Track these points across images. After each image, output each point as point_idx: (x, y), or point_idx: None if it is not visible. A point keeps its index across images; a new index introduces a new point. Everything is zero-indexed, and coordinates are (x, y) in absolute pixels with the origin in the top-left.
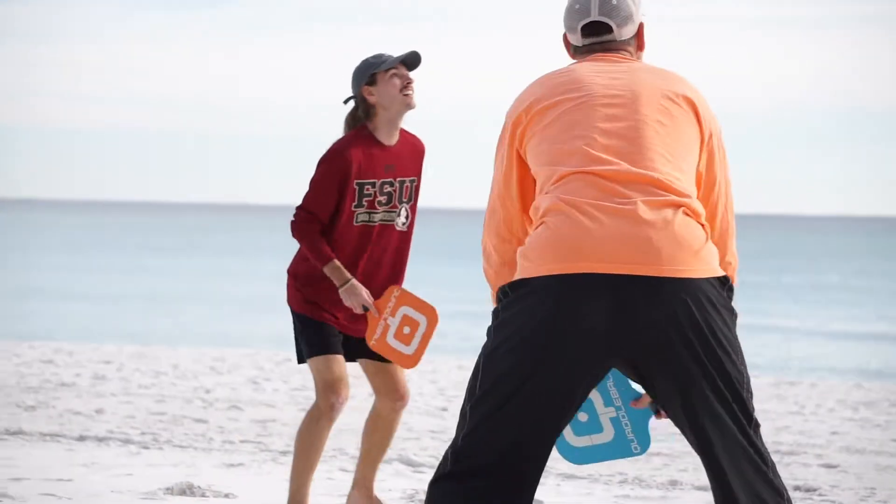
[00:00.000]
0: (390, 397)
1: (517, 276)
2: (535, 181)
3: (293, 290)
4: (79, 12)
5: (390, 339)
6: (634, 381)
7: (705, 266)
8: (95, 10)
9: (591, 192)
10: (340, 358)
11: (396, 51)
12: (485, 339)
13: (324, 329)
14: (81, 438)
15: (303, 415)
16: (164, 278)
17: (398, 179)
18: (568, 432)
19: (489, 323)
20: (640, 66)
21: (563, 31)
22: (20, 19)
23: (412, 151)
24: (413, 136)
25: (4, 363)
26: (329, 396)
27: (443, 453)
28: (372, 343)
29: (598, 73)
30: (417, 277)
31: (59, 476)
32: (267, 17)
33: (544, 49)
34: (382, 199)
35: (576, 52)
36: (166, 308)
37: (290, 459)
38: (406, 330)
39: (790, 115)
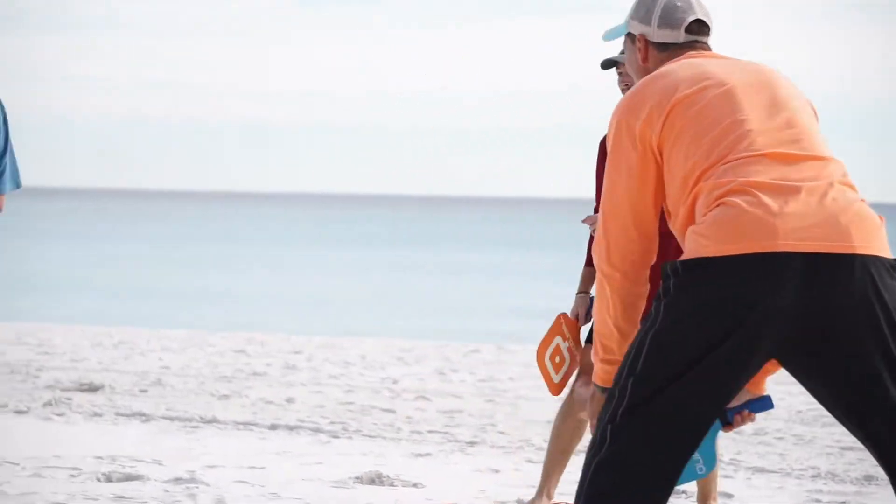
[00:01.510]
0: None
1: (692, 255)
2: (663, 181)
3: None
4: None
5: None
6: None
7: (884, 246)
8: None
9: (771, 174)
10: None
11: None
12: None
13: None
14: (273, 427)
15: (488, 406)
16: (340, 271)
17: None
18: None
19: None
20: (751, 62)
21: (637, 31)
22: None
23: None
24: None
25: (198, 353)
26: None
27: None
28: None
29: (721, 66)
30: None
31: (252, 464)
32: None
33: None
34: None
35: (663, 49)
36: (350, 301)
37: (476, 450)
38: (557, 359)
39: None
